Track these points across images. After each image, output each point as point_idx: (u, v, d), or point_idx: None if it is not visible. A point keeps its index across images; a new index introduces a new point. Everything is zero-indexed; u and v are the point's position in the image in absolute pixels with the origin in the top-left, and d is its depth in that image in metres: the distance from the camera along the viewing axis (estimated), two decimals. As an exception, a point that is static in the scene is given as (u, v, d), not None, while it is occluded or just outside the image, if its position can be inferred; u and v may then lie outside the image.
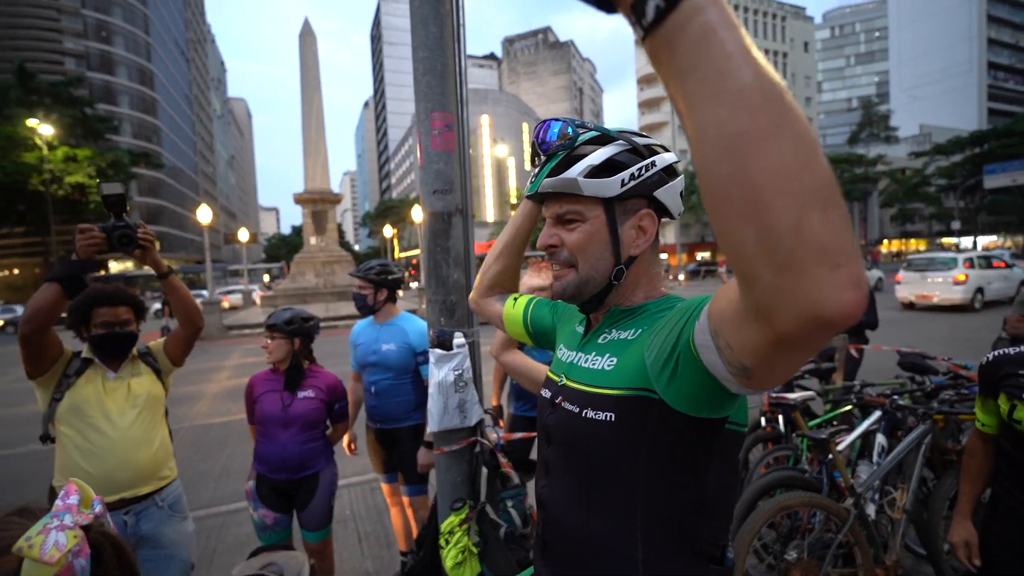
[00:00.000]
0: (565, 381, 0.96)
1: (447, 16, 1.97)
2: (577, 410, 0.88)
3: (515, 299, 1.31)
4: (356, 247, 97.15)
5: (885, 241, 53.44)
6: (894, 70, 76.27)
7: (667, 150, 0.94)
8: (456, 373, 2.01)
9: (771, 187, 0.42)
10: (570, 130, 0.94)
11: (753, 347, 0.55)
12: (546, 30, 79.90)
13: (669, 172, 0.91)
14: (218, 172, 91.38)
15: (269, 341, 2.40)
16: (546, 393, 1.02)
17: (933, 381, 3.07)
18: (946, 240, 47.42)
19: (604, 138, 0.90)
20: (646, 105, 61.06)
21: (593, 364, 0.91)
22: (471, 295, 1.43)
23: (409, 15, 1.98)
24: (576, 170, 0.88)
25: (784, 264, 0.42)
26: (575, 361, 0.97)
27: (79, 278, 1.80)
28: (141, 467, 1.93)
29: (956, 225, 41.23)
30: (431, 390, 2.03)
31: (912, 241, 54.77)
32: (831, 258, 0.41)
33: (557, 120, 0.96)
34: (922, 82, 70.59)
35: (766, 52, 60.18)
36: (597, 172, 0.87)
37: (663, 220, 0.94)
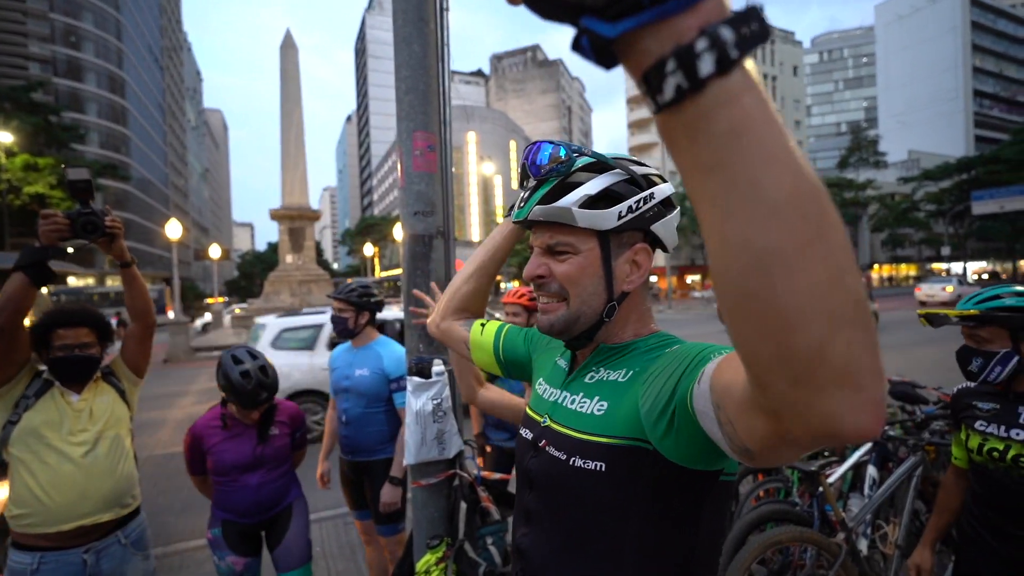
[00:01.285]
0: (549, 423, 0.90)
1: (431, 36, 1.94)
2: (564, 457, 0.82)
3: (483, 325, 1.23)
4: (335, 265, 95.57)
5: (876, 266, 53.97)
6: (882, 96, 77.90)
7: (664, 180, 0.88)
8: (435, 402, 1.93)
9: (799, 308, 0.36)
10: (563, 153, 0.86)
11: (759, 436, 0.49)
12: (535, 48, 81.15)
13: (666, 204, 0.86)
14: (190, 185, 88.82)
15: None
16: (527, 434, 0.96)
17: (924, 411, 3.02)
18: (936, 266, 47.96)
19: (601, 165, 0.84)
20: (636, 126, 61.66)
21: (581, 407, 0.85)
22: (432, 317, 1.32)
23: (392, 33, 1.95)
24: (571, 199, 0.82)
25: (802, 380, 0.38)
26: (560, 401, 0.91)
27: (46, 268, 1.74)
28: (103, 494, 1.83)
29: (946, 251, 41.69)
30: (408, 420, 1.94)
31: (903, 266, 55.35)
32: (852, 381, 0.37)
33: (550, 142, 0.89)
34: (910, 108, 72.08)
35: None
36: (593, 202, 0.81)
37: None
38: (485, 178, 52.60)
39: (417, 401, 1.92)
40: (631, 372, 0.82)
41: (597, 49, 0.34)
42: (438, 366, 1.97)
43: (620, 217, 0.82)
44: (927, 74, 69.76)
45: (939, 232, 44.86)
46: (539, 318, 0.90)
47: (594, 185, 0.82)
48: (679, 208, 0.90)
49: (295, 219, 20.36)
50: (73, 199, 1.81)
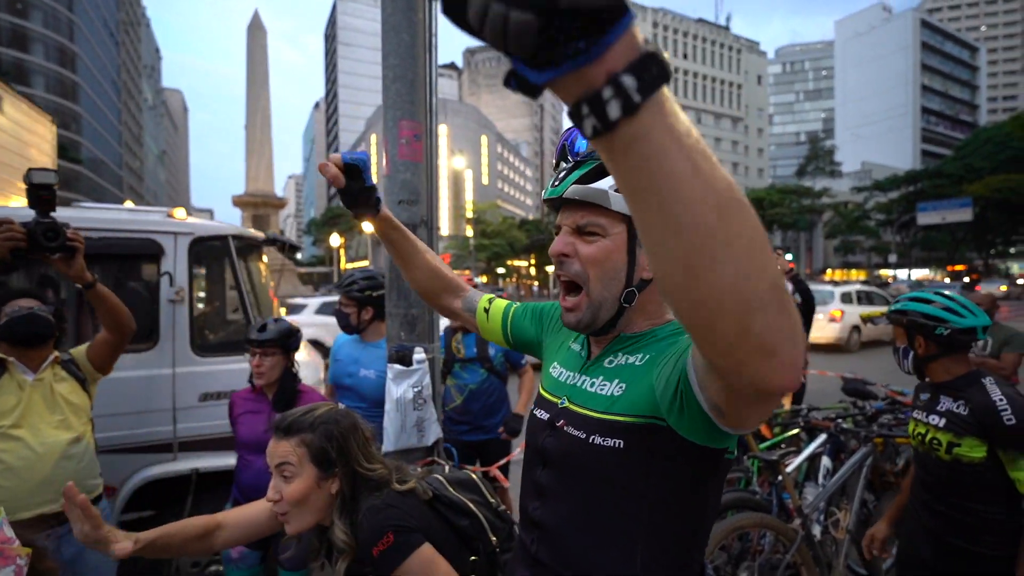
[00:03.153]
0: (568, 404, 0.93)
1: (419, 25, 1.94)
2: (584, 436, 0.85)
3: (486, 309, 1.22)
4: (299, 256, 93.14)
5: (828, 271, 56.57)
6: (839, 108, 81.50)
7: None
8: (415, 390, 1.94)
9: (718, 300, 0.44)
10: None
11: (717, 390, 0.63)
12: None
13: None
14: (146, 167, 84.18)
15: (259, 359, 2.06)
16: (542, 414, 0.98)
17: (873, 406, 3.22)
18: (883, 272, 50.58)
19: None
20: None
21: (601, 389, 0.88)
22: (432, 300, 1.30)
23: (381, 20, 1.94)
24: (609, 182, 0.84)
25: (730, 353, 0.48)
26: (579, 384, 0.94)
27: None
28: (64, 479, 1.76)
29: (893, 258, 44.03)
30: (388, 407, 1.95)
31: (853, 272, 58.18)
32: (770, 351, 0.46)
33: None
34: (864, 121, 75.69)
35: (723, 82, 63.14)
36: None
37: None
38: (456, 172, 52.10)
39: (398, 388, 1.93)
40: (648, 356, 0.86)
41: (525, 88, 0.40)
42: (419, 354, 1.98)
43: None
44: (880, 89, 73.39)
45: (887, 240, 47.34)
46: (565, 316, 0.92)
47: None
48: None
49: (259, 206, 19.79)
50: (33, 206, 1.59)
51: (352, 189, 1.05)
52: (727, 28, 66.65)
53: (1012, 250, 45.45)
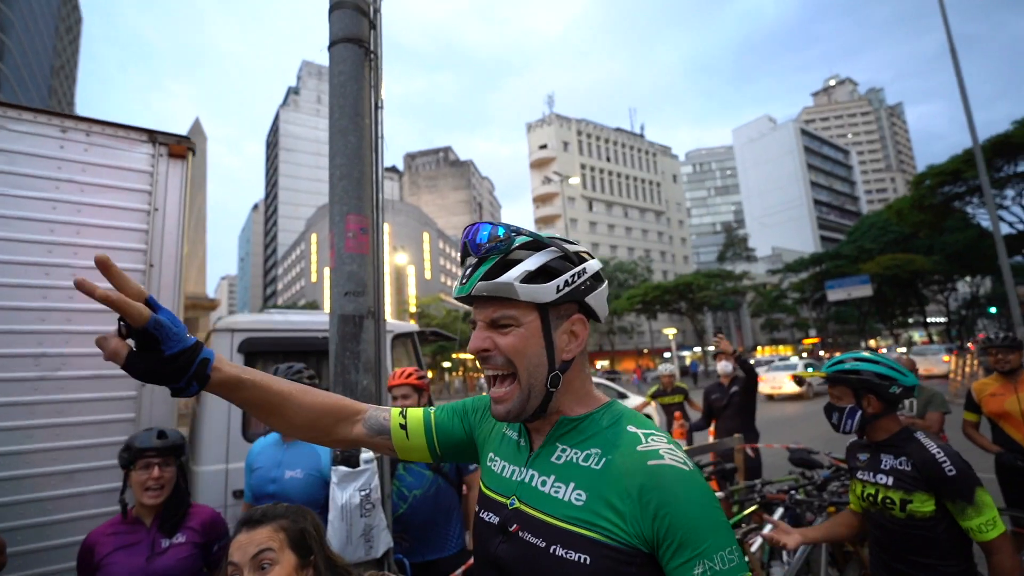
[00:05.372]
0: (519, 505, 0.88)
1: (367, 129, 2.06)
2: (543, 544, 0.81)
3: (403, 426, 1.06)
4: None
5: (759, 348, 59.84)
6: (746, 202, 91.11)
7: (592, 256, 0.95)
8: (363, 494, 1.79)
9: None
10: (501, 232, 0.89)
11: None
12: (447, 149, 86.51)
13: (596, 278, 0.92)
14: None
15: (158, 471, 1.78)
16: (490, 517, 0.92)
17: (821, 475, 3.28)
18: (807, 340, 54.18)
19: (537, 243, 0.89)
20: (542, 221, 66.40)
21: (556, 491, 0.85)
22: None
23: (328, 124, 2.04)
24: (512, 275, 0.85)
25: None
26: (527, 481, 0.90)
27: None
28: None
29: (812, 333, 47.33)
30: (332, 516, 1.78)
31: (780, 347, 61.84)
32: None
33: (489, 223, 0.93)
34: (768, 212, 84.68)
35: (644, 181, 69.63)
36: (532, 278, 0.86)
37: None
38: (398, 268, 52.62)
39: (343, 494, 1.78)
40: (603, 460, 0.84)
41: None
42: (367, 453, 1.86)
43: (559, 290, 0.86)
44: (777, 185, 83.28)
45: (805, 317, 51.21)
46: (495, 408, 0.89)
47: (533, 262, 0.86)
48: (606, 282, 0.97)
49: (189, 308, 18.86)
50: None
51: (148, 363, 0.76)
52: (642, 135, 74.68)
53: (910, 320, 50.34)
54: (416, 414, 1.09)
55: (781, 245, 72.59)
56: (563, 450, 0.88)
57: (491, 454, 1.00)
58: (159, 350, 0.76)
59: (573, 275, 0.88)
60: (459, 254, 0.96)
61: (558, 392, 0.90)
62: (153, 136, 2.51)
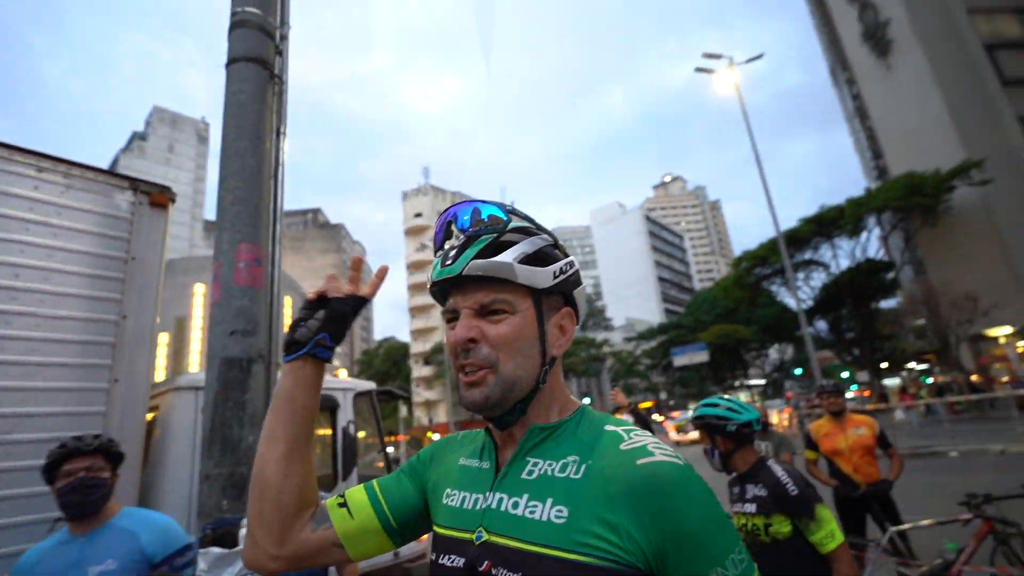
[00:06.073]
0: (487, 537, 0.74)
1: (267, 154, 1.87)
2: None
3: (341, 505, 0.88)
4: None
5: (618, 412, 63.99)
6: (603, 276, 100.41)
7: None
8: (241, 578, 1.45)
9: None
10: (485, 215, 0.81)
11: None
12: (316, 211, 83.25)
13: (578, 276, 0.88)
14: None
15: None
16: (452, 561, 0.77)
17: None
18: (642, 404, 59.56)
19: (531, 230, 0.83)
20: (415, 288, 65.78)
21: (530, 511, 0.72)
22: (257, 553, 0.84)
23: (221, 146, 1.82)
24: (512, 254, 0.77)
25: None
26: (496, 506, 0.76)
27: None
28: None
29: (663, 395, 52.10)
30: (197, 613, 1.40)
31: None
32: None
33: (489, 203, 0.84)
34: (621, 286, 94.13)
35: (514, 254, 73.71)
36: (530, 261, 0.79)
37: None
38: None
39: (215, 582, 1.42)
40: (583, 466, 0.73)
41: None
42: (246, 528, 1.52)
43: (555, 277, 0.80)
44: (628, 263, 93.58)
45: (657, 381, 56.44)
46: (469, 392, 0.76)
47: (530, 244, 0.80)
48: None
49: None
50: None
51: (357, 304, 0.93)
52: (512, 211, 79.88)
53: (737, 383, 58.25)
54: (355, 489, 0.91)
55: (634, 316, 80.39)
56: (535, 463, 0.77)
57: (447, 490, 0.85)
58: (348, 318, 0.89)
59: (565, 264, 0.84)
60: (435, 243, 0.86)
61: (540, 392, 0.81)
62: (135, 184, 2.45)
